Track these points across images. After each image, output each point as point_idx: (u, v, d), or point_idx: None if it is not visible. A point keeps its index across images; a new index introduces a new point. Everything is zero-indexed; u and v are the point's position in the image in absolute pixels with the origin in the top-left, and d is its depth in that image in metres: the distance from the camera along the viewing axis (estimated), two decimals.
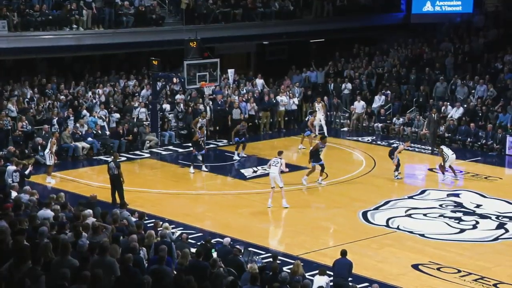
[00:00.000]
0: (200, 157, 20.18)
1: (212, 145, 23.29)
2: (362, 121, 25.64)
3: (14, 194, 13.95)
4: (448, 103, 24.59)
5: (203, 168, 20.04)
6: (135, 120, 23.35)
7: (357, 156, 22.52)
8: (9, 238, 9.78)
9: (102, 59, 27.70)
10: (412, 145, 23.44)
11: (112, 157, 17.76)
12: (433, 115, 23.11)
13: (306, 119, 23.65)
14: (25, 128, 21.21)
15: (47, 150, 18.80)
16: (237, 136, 21.82)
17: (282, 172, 17.05)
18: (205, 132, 20.85)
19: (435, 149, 22.40)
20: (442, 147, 20.28)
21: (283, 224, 16.23)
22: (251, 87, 26.98)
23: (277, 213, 17.00)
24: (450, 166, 19.74)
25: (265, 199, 18.08)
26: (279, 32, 29.32)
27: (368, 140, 24.44)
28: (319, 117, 23.78)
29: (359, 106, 25.69)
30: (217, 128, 24.44)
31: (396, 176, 19.69)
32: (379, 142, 24.14)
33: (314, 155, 18.92)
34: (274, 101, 25.60)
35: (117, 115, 23.38)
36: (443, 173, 19.81)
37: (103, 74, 26.04)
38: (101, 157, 21.29)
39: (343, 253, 12.09)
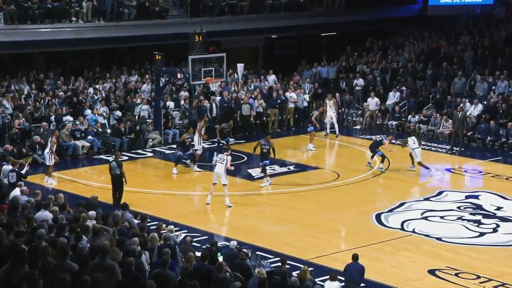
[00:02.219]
0: (187, 159, 20.09)
1: (218, 144, 23.29)
2: (375, 119, 25.60)
3: (17, 193, 14.00)
4: (467, 100, 24.49)
5: (195, 168, 19.91)
6: (137, 117, 23.38)
7: (370, 156, 22.44)
8: (6, 241, 9.83)
9: (103, 54, 27.79)
10: (429, 144, 23.38)
11: (114, 156, 17.79)
12: (458, 113, 22.98)
13: (311, 114, 23.61)
14: (23, 125, 21.28)
15: (47, 150, 18.86)
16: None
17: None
18: (201, 133, 20.78)
19: (455, 148, 22.37)
20: (409, 138, 20.30)
21: (293, 227, 16.22)
22: (258, 83, 26.98)
23: (286, 215, 17.01)
24: (420, 163, 19.88)
25: (273, 200, 18.11)
26: (288, 25, 29.32)
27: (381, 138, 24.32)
28: (330, 115, 23.74)
29: (372, 102, 25.65)
30: (223, 125, 24.45)
31: (381, 168, 19.97)
32: (393, 141, 24.02)
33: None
34: (283, 98, 25.59)
35: (118, 113, 23.44)
36: (427, 168, 19.83)
37: (104, 69, 26.11)
38: (102, 156, 21.35)
39: (355, 257, 12.08)
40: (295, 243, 15.25)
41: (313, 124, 22.65)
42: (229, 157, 17.57)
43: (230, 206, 17.25)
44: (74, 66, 27.00)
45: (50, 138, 19.19)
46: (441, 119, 24.30)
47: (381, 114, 25.51)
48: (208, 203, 17.44)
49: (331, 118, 23.80)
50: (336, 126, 23.90)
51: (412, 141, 20.05)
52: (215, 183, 17.46)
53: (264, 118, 25.35)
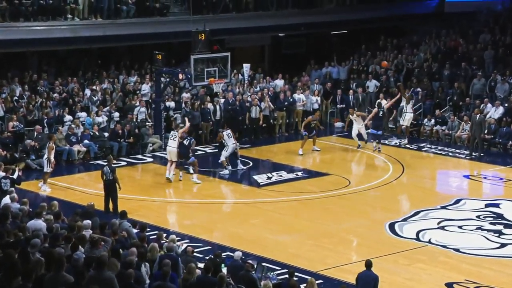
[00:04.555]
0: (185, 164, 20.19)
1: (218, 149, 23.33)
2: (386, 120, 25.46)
3: (7, 200, 14.05)
4: (488, 102, 24.38)
5: (194, 179, 19.83)
6: (135, 120, 23.41)
7: (383, 161, 22.47)
8: None
9: (100, 53, 27.88)
10: (446, 149, 23.34)
11: (107, 161, 17.88)
12: (476, 116, 22.95)
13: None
14: (17, 127, 21.34)
15: (45, 156, 18.92)
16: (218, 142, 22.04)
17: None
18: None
19: (474, 154, 22.34)
20: (224, 132, 20.57)
21: (301, 237, 16.22)
22: (265, 83, 27.00)
23: (294, 224, 17.02)
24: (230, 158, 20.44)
25: (281, 208, 18.12)
26: (296, 22, 29.35)
27: (396, 143, 24.37)
28: (357, 128, 23.25)
29: (383, 103, 25.51)
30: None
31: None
32: (408, 146, 24.08)
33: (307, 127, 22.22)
34: (291, 100, 25.61)
35: (117, 115, 23.50)
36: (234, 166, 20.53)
37: (101, 69, 26.18)
38: (99, 162, 21.40)
39: (368, 264, 12.02)
40: (304, 254, 15.25)
41: (305, 129, 22.60)
42: (181, 130, 19.55)
43: (198, 182, 19.26)
44: (70, 66, 27.10)
45: (48, 143, 19.22)
46: (459, 122, 24.27)
47: (387, 113, 25.26)
48: (168, 178, 19.45)
49: (358, 131, 23.26)
50: (365, 135, 23.57)
51: (227, 134, 20.51)
52: (172, 160, 19.36)
53: (272, 121, 25.33)
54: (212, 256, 12.58)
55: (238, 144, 21.20)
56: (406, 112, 23.68)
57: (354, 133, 23.29)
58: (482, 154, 22.70)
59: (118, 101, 24.26)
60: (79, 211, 14.03)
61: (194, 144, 20.33)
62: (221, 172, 20.53)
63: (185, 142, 19.83)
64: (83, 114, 22.90)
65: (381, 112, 23.88)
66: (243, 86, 26.18)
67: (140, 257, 10.97)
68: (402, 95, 23.80)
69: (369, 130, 23.38)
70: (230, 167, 20.53)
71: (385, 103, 24.00)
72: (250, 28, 28.36)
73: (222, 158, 20.65)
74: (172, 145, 19.56)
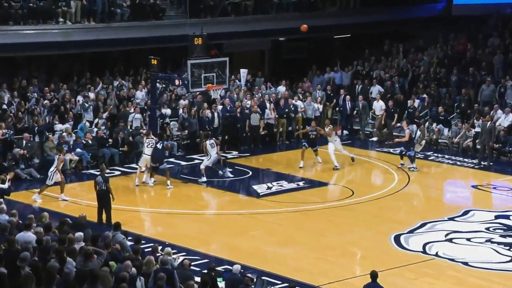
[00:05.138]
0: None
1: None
2: (380, 125, 25.44)
3: None
4: (498, 109, 24.37)
5: (168, 185, 20.29)
6: (129, 127, 23.41)
7: (387, 171, 22.47)
8: None
9: (93, 58, 27.91)
10: (454, 157, 23.34)
11: (100, 170, 17.92)
12: (486, 123, 22.96)
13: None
14: (7, 135, 21.34)
15: (52, 168, 18.91)
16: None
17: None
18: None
19: (483, 163, 22.35)
20: (208, 142, 20.86)
21: (303, 249, 16.21)
22: (265, 90, 27.02)
23: (295, 236, 17.00)
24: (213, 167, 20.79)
25: (281, 219, 18.11)
26: (297, 26, 29.23)
27: (402, 151, 24.32)
28: (333, 143, 22.26)
29: (377, 106, 25.59)
30: (226, 137, 24.51)
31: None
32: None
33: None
34: (292, 107, 25.55)
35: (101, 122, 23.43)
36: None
37: (95, 75, 26.20)
38: (91, 171, 21.40)
39: (374, 275, 12.02)
40: (305, 267, 15.23)
41: (305, 139, 22.59)
42: (156, 139, 20.04)
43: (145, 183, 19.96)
44: (61, 71, 27.12)
45: (58, 155, 19.27)
46: (465, 129, 24.08)
47: (387, 117, 25.28)
48: (137, 185, 20.02)
49: (334, 147, 22.42)
50: (342, 149, 22.68)
51: (209, 144, 20.73)
52: (143, 169, 20.09)
53: (274, 129, 25.29)
54: (207, 270, 12.54)
55: (220, 154, 21.55)
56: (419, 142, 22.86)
57: (331, 150, 22.12)
58: (491, 164, 22.70)
59: (113, 107, 24.25)
60: (65, 220, 13.97)
61: (172, 147, 20.91)
62: (199, 180, 20.73)
63: (159, 146, 20.27)
64: (84, 122, 22.84)
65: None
66: (241, 92, 26.18)
67: (135, 270, 10.95)
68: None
69: (403, 153, 22.37)
70: (205, 178, 20.73)
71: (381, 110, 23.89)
72: (249, 32, 28.42)
73: (202, 166, 20.88)
74: (149, 153, 19.99)
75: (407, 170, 21.99)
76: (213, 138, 21.28)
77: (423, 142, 22.89)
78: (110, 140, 22.69)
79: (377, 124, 25.77)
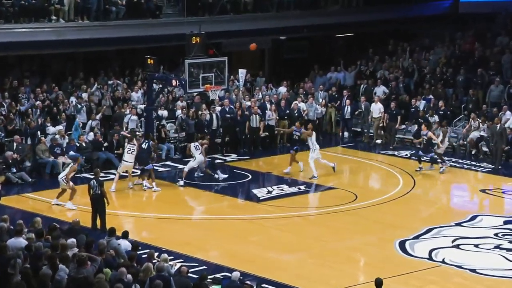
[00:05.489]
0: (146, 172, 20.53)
1: (218, 160, 23.36)
2: (377, 129, 25.38)
3: None
4: (507, 110, 24.34)
5: (151, 186, 20.37)
6: (125, 129, 23.38)
7: (392, 174, 22.47)
8: None
9: (87, 58, 27.93)
10: (460, 161, 23.34)
11: (94, 174, 17.93)
12: (496, 126, 22.94)
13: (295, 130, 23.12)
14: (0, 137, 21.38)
15: (62, 175, 18.90)
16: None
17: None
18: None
19: (499, 167, 22.34)
20: (192, 144, 20.97)
21: (304, 256, 16.20)
22: (265, 90, 27.03)
23: (296, 242, 17.01)
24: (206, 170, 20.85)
25: (282, 225, 18.11)
26: (298, 25, 29.45)
27: (406, 154, 24.39)
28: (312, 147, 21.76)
29: (376, 109, 25.54)
30: (226, 139, 24.51)
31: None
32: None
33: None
34: (296, 113, 25.39)
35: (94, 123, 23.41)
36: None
37: (89, 75, 26.21)
38: (85, 175, 21.39)
39: (378, 283, 12.01)
40: (307, 275, 15.22)
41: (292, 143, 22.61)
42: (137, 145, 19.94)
43: (130, 187, 19.97)
44: (54, 72, 27.12)
45: (71, 164, 19.26)
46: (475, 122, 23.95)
47: (390, 120, 25.21)
48: (113, 191, 19.66)
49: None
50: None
51: (194, 147, 20.74)
52: (119, 173, 20.00)
53: (275, 131, 25.26)
54: (198, 280, 12.44)
55: (206, 158, 21.56)
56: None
57: (311, 158, 21.48)
58: (500, 167, 22.70)
59: (107, 108, 24.24)
60: (54, 226, 13.94)
61: (154, 147, 20.89)
62: (177, 183, 20.91)
63: (144, 145, 20.40)
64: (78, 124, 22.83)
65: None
66: (239, 93, 26.17)
67: (131, 277, 10.95)
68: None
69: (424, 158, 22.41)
70: (182, 182, 20.84)
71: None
72: (248, 31, 28.41)
73: (186, 169, 21.01)
74: (129, 159, 19.90)
75: (416, 173, 22.01)
76: (199, 141, 21.28)
77: (446, 143, 22.76)
78: (106, 143, 22.66)
79: (375, 127, 25.60)
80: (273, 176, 22.18)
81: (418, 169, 22.26)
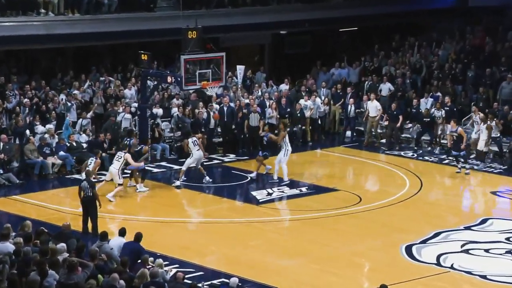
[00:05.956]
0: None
1: (216, 161, 23.36)
2: (376, 127, 25.31)
3: None
4: None
5: (141, 188, 20.38)
6: (116, 128, 23.38)
7: (398, 175, 22.49)
8: None
9: (77, 53, 27.93)
10: (470, 161, 23.34)
11: (85, 175, 17.91)
12: None
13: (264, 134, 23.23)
14: None
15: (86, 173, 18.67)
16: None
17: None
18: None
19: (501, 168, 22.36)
20: (190, 139, 20.97)
21: (306, 260, 16.22)
22: (266, 88, 27.02)
23: (298, 246, 17.02)
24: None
25: (283, 228, 18.13)
26: (300, 19, 29.45)
27: (413, 155, 24.39)
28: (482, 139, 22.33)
29: (372, 107, 25.38)
30: (226, 138, 24.50)
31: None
32: (426, 158, 24.11)
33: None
34: (299, 114, 25.34)
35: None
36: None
37: (79, 72, 26.20)
38: (76, 176, 21.41)
39: None
40: (308, 281, 15.24)
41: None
42: (128, 155, 19.78)
43: (110, 201, 19.22)
44: (43, 67, 27.11)
45: (93, 159, 19.60)
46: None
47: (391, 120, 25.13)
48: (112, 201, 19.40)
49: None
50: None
51: (192, 142, 20.68)
52: (104, 180, 19.79)
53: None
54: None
55: (207, 154, 21.78)
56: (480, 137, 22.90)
57: (278, 160, 21.17)
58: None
59: (98, 106, 24.23)
60: (41, 230, 13.92)
61: (135, 145, 20.87)
62: (173, 184, 20.93)
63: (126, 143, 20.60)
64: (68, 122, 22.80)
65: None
66: (237, 90, 26.16)
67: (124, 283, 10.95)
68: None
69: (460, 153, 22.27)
70: (179, 182, 20.81)
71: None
72: (248, 25, 28.42)
73: (183, 168, 20.99)
74: (116, 166, 19.74)
75: (423, 174, 22.02)
76: (196, 136, 21.30)
77: (489, 142, 22.63)
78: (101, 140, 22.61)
79: (369, 127, 25.43)
80: (273, 177, 22.16)
81: (459, 170, 22.13)
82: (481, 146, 22.77)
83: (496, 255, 16.59)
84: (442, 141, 24.50)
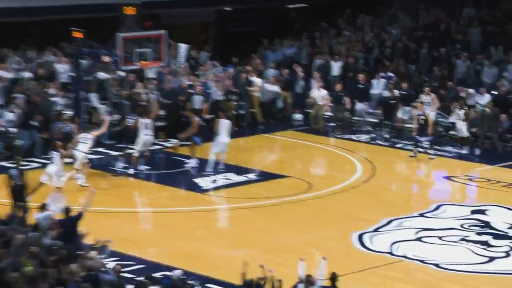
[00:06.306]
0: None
1: (157, 146, 23.28)
2: (320, 117, 25.43)
3: None
4: (473, 89, 24.73)
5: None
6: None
7: (349, 160, 22.71)
8: None
9: (4, 29, 27.45)
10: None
11: (15, 162, 17.68)
12: (486, 109, 23.19)
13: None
14: None
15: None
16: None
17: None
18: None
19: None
20: (143, 120, 20.70)
21: (254, 251, 16.29)
22: (211, 67, 26.97)
23: (246, 236, 17.11)
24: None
25: (229, 218, 18.25)
26: None
27: (366, 138, 24.63)
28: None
29: (318, 96, 25.45)
30: (167, 123, 24.42)
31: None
32: (379, 142, 24.37)
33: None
34: (246, 82, 25.39)
35: None
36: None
37: (6, 48, 25.71)
38: (4, 164, 21.12)
39: (333, 278, 12.18)
40: (258, 272, 15.33)
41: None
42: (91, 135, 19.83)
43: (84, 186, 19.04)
44: None
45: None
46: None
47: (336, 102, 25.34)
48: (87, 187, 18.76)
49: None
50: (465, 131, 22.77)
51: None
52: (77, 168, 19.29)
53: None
54: (143, 280, 12.46)
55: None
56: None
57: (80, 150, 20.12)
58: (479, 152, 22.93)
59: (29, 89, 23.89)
60: None
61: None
62: (128, 171, 20.79)
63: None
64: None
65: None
66: (180, 70, 26.05)
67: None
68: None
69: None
70: (133, 171, 20.74)
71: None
72: (190, 1, 28.28)
73: (135, 154, 20.80)
74: (84, 149, 19.65)
75: (375, 160, 22.26)
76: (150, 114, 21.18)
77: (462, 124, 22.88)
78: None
79: (314, 114, 25.47)
80: (218, 163, 22.17)
81: (413, 155, 22.36)
82: (463, 132, 22.97)
83: (450, 243, 16.84)
84: (393, 124, 24.76)
